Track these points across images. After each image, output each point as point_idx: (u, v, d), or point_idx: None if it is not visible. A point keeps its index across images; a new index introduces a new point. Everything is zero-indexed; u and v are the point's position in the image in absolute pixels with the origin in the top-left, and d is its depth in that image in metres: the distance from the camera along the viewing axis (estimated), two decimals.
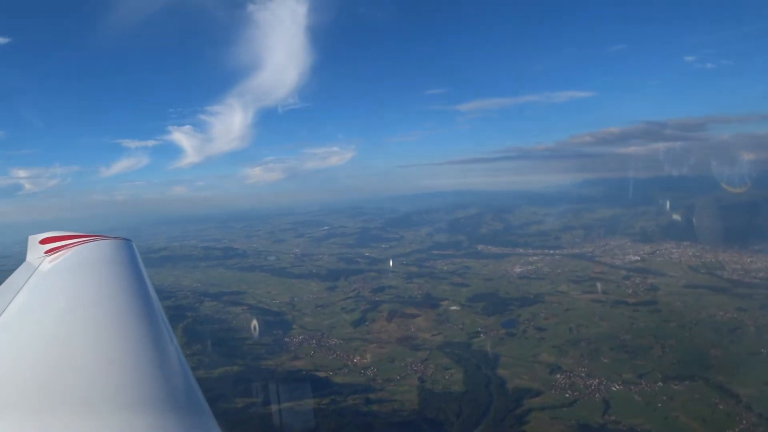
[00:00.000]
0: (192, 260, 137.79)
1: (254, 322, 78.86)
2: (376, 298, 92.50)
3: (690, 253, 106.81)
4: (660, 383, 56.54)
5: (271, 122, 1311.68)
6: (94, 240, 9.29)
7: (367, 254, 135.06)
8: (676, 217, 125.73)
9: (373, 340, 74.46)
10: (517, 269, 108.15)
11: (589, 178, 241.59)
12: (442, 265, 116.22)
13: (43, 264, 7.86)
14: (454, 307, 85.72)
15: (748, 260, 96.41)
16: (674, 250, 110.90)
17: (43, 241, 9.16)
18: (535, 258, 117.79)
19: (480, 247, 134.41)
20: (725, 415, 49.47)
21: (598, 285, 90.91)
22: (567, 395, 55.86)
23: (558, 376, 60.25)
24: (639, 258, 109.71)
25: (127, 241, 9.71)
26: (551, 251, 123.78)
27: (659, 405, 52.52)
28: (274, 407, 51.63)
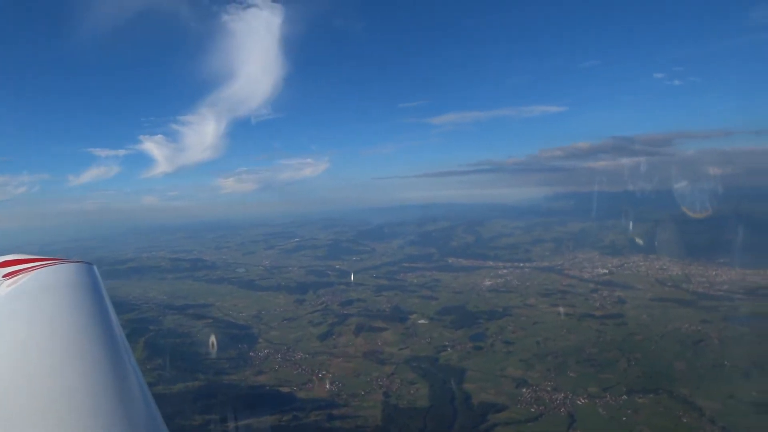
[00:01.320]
0: (160, 272, 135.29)
1: (213, 338, 76.99)
2: (345, 312, 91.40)
3: (657, 267, 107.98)
4: (625, 396, 56.44)
5: (245, 133, 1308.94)
6: (54, 263, 8.97)
7: (337, 267, 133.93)
8: (644, 230, 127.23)
9: (339, 355, 73.29)
10: (487, 282, 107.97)
11: (560, 192, 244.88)
12: (412, 278, 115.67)
13: (0, 288, 7.63)
14: (422, 321, 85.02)
15: (713, 273, 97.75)
16: (641, 264, 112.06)
17: (1, 265, 8.78)
18: (505, 271, 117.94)
19: (451, 259, 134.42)
20: (689, 429, 49.37)
21: (567, 298, 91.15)
22: (533, 410, 55.36)
23: (524, 390, 59.77)
24: (607, 271, 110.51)
25: (89, 265, 9.44)
26: (521, 264, 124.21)
27: (624, 419, 52.31)
28: (232, 424, 50.19)
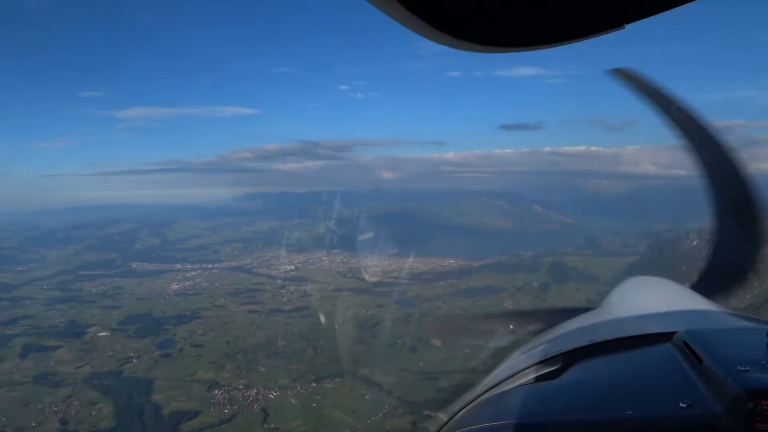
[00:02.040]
0: None
1: None
2: (8, 333, 76.36)
3: (339, 260, 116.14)
4: (314, 384, 58.64)
5: None
6: None
7: None
8: (327, 228, 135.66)
9: (2, 384, 60.84)
10: (175, 286, 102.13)
11: (250, 193, 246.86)
12: (91, 287, 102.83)
13: None
14: (103, 333, 76.14)
15: (386, 263, 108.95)
16: (325, 258, 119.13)
17: None
18: (193, 273, 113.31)
19: (134, 264, 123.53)
20: (371, 404, 53.54)
21: (256, 296, 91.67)
22: (226, 411, 53.80)
23: (216, 392, 57.72)
24: (294, 267, 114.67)
25: None
26: (210, 265, 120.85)
27: (314, 405, 54.23)
28: None
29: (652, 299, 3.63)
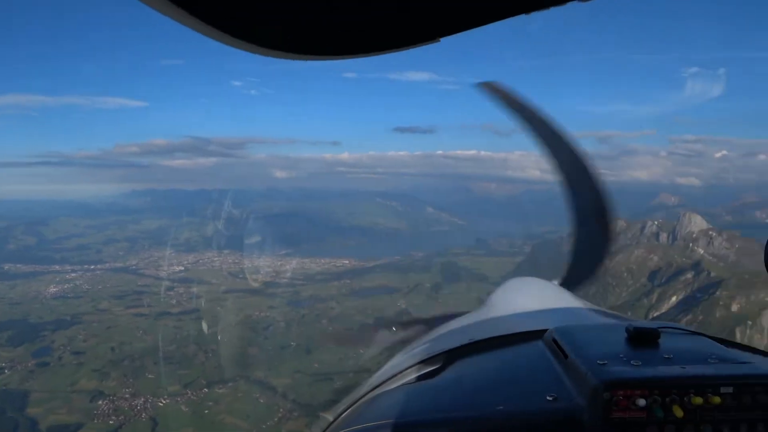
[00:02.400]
0: None
1: None
2: None
3: (230, 261, 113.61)
4: (206, 389, 57.75)
5: None
6: None
7: None
8: (218, 227, 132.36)
9: None
10: (53, 289, 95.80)
11: (137, 189, 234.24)
12: None
13: None
14: None
15: (279, 263, 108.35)
16: (216, 259, 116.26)
17: None
18: (74, 275, 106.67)
19: (7, 266, 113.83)
20: (266, 408, 53.63)
21: (142, 298, 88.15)
22: (111, 422, 52.00)
23: (100, 402, 55.52)
24: (183, 268, 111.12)
25: None
26: (92, 266, 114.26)
27: (206, 411, 53.44)
28: None
29: (530, 299, 3.94)
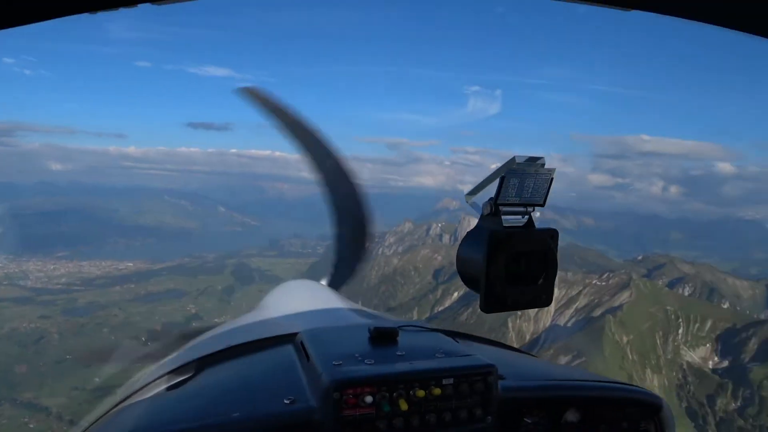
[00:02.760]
0: None
1: None
2: None
3: None
4: None
5: None
6: None
7: None
8: None
9: None
10: None
11: None
12: None
13: None
14: None
15: (52, 267, 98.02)
16: None
17: None
18: None
19: None
20: None
21: None
22: None
23: None
24: None
25: None
26: None
27: None
28: None
29: (298, 301, 3.94)
